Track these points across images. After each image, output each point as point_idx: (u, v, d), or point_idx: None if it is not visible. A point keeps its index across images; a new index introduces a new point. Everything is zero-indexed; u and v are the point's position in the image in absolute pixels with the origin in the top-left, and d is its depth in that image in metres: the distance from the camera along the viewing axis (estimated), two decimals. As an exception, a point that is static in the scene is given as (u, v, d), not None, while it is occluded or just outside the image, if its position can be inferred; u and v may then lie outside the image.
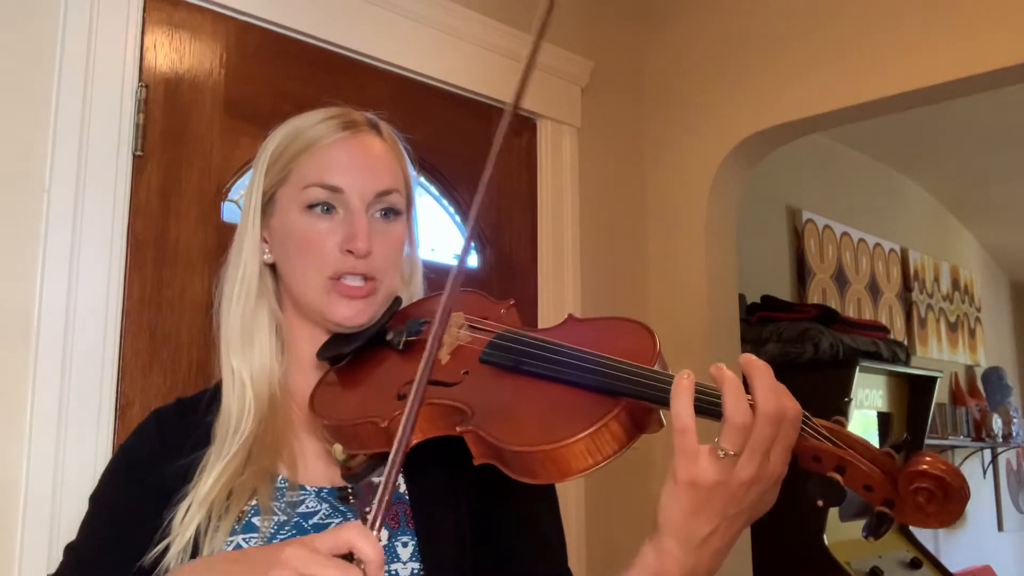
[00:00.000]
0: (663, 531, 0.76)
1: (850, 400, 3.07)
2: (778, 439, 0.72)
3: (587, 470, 0.75)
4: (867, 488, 0.72)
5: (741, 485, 0.72)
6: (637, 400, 0.76)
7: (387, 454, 0.89)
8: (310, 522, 0.92)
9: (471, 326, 0.95)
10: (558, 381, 0.81)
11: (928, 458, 0.70)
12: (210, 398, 1.02)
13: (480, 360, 0.89)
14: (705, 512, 0.73)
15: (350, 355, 1.01)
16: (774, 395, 0.72)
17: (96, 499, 1.00)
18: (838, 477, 0.71)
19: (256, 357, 1.00)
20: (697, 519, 0.73)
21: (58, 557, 0.98)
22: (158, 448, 0.98)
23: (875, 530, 0.72)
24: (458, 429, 0.81)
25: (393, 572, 0.90)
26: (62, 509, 1.47)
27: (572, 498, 2.31)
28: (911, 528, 3.57)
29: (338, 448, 0.91)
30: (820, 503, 0.72)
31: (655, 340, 0.83)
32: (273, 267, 1.04)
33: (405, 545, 0.92)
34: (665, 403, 0.74)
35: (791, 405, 0.72)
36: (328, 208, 0.98)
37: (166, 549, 0.89)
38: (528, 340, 0.87)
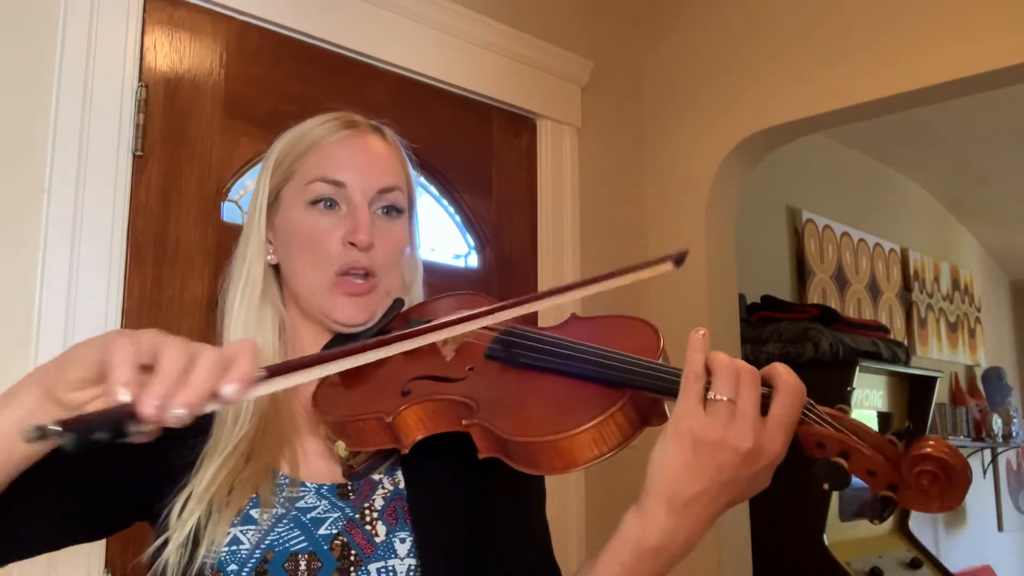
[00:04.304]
0: (649, 490, 0.77)
1: (853, 389, 3.08)
2: (774, 408, 0.72)
3: (592, 461, 0.76)
4: (871, 473, 0.73)
5: (736, 452, 0.72)
6: (642, 391, 0.77)
7: (389, 452, 0.89)
8: (308, 516, 0.93)
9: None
10: (563, 374, 0.82)
11: (932, 442, 0.71)
12: None
13: (485, 356, 0.90)
14: (696, 469, 0.73)
15: None
16: (747, 367, 0.74)
17: None
18: (843, 462, 0.72)
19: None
20: (686, 475, 0.74)
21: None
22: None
23: (880, 513, 0.73)
24: (464, 423, 0.82)
25: (391, 567, 0.91)
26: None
27: (572, 491, 2.32)
28: (911, 527, 3.57)
29: (341, 445, 0.92)
30: (826, 486, 0.72)
31: (659, 336, 0.84)
32: (276, 268, 1.05)
33: (403, 541, 0.93)
34: (670, 393, 0.76)
35: (790, 376, 0.74)
36: (331, 204, 1.00)
37: (165, 543, 0.89)
38: (533, 335, 0.88)
